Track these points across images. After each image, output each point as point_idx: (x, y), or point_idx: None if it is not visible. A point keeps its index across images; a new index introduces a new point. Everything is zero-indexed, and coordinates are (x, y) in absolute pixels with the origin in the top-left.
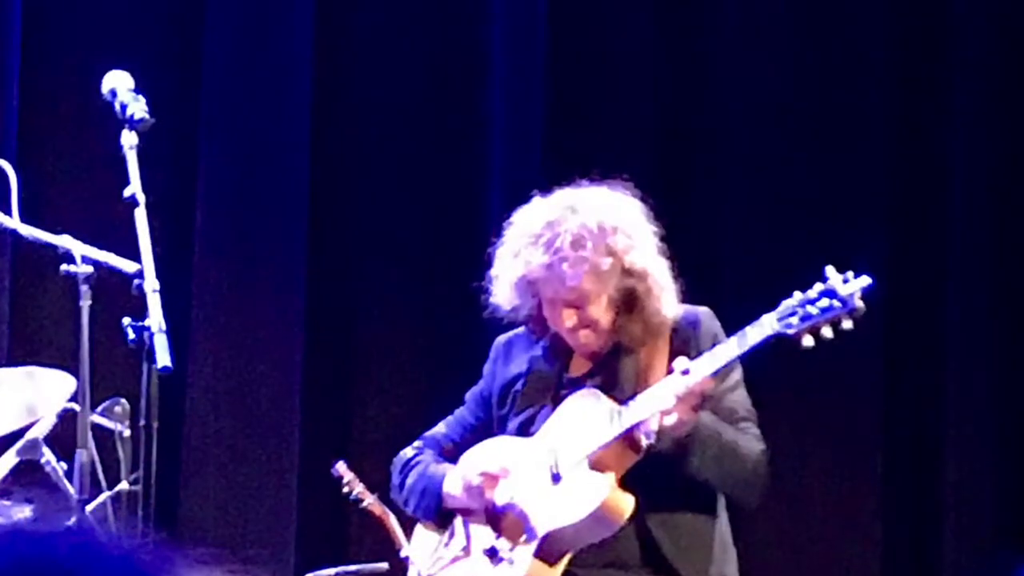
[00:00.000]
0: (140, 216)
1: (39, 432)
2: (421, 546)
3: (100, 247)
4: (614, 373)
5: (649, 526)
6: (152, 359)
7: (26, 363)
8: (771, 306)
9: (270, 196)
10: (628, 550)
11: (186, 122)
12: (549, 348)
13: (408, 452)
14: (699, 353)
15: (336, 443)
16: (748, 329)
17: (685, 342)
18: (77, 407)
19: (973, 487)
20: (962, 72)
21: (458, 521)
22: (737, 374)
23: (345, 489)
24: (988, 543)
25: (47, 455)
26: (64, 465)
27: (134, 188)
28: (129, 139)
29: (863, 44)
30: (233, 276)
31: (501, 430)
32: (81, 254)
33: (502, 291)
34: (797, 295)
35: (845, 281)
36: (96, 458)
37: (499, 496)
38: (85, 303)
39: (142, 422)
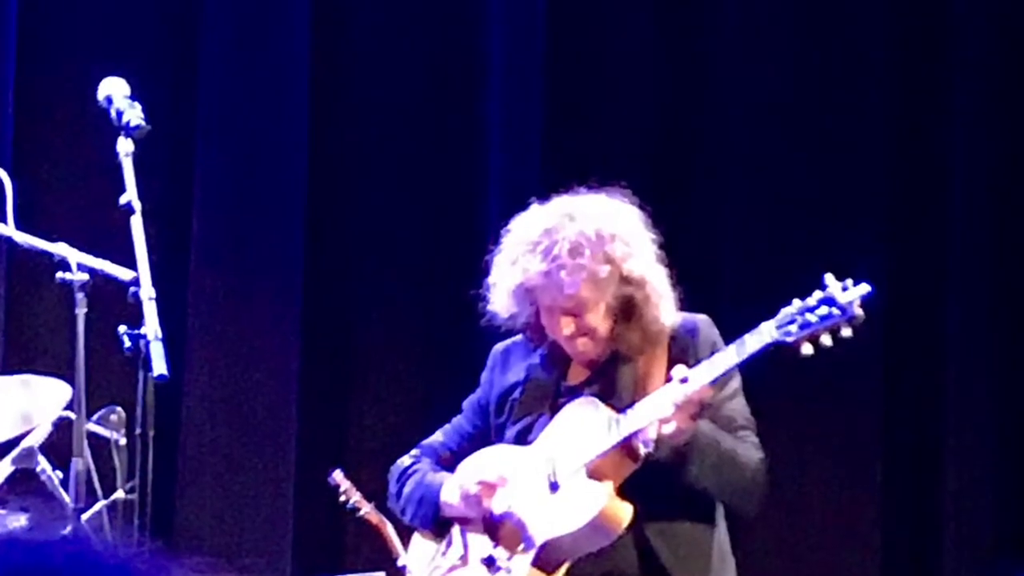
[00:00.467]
0: (136, 223)
1: (34, 440)
2: (418, 555)
3: (96, 255)
4: (612, 381)
5: (647, 535)
6: (148, 367)
7: (21, 371)
8: (770, 314)
9: (267, 203)
10: (626, 559)
11: (182, 129)
12: (547, 356)
13: (405, 461)
14: (697, 361)
15: (333, 452)
16: (747, 337)
17: (683, 350)
18: (73, 415)
19: (973, 496)
20: (962, 73)
21: (455, 530)
22: (736, 382)
23: (342, 498)
24: (988, 552)
25: (42, 463)
26: (60, 474)
27: (130, 195)
28: (125, 146)
29: (863, 46)
30: (229, 284)
31: (499, 438)
32: (77, 262)
33: (500, 299)
34: (796, 303)
35: (844, 289)
36: (92, 467)
37: (497, 505)
38: (81, 311)
39: (138, 430)
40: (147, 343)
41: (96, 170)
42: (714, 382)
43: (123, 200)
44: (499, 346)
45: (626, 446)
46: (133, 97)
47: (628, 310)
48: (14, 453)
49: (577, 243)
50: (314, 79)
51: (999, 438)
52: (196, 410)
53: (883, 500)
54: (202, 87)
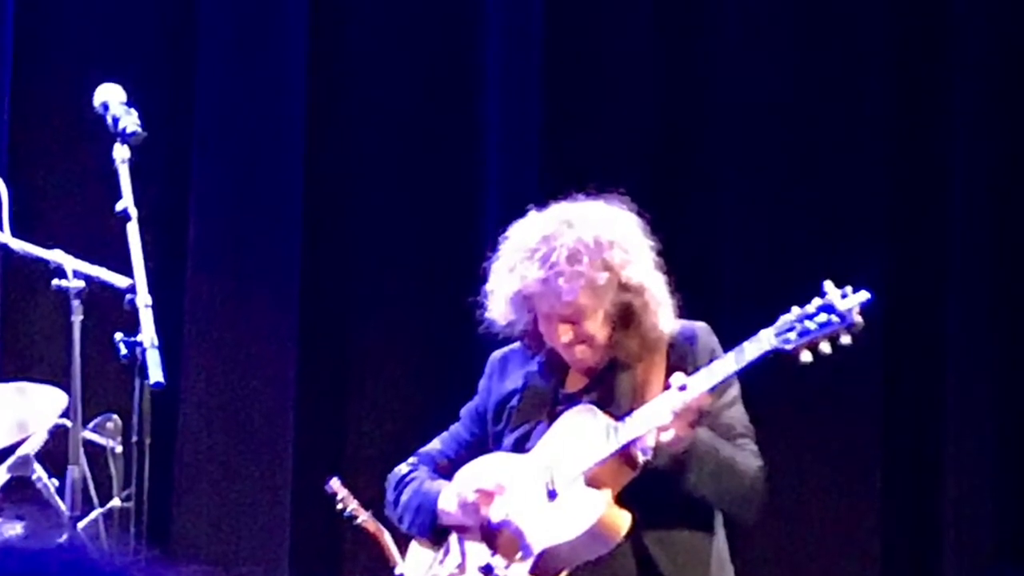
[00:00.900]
0: (132, 230)
1: (30, 448)
2: (416, 563)
3: (92, 262)
4: (610, 389)
5: (646, 543)
6: (144, 375)
7: (17, 379)
8: (769, 321)
9: (263, 210)
10: (625, 567)
11: (179, 135)
12: (545, 364)
13: (403, 468)
14: (696, 369)
15: (330, 459)
16: (746, 344)
17: (682, 357)
18: (69, 423)
19: (973, 502)
20: (962, 74)
21: (453, 538)
22: (735, 390)
23: (339, 506)
24: (988, 558)
25: (38, 471)
26: (55, 482)
27: (126, 202)
28: (121, 153)
29: (862, 48)
30: (226, 291)
31: (497, 446)
32: (73, 269)
33: (498, 306)
34: (795, 310)
35: (844, 296)
36: (88, 474)
37: (494, 513)
38: (77, 318)
39: (134, 438)
40: (143, 350)
41: (92, 177)
42: (713, 390)
43: (119, 207)
44: (497, 353)
45: (624, 454)
46: (129, 103)
47: (626, 317)
48: (10, 461)
49: (575, 250)
50: (311, 84)
51: (999, 445)
52: (193, 418)
53: (883, 507)
54: (199, 93)
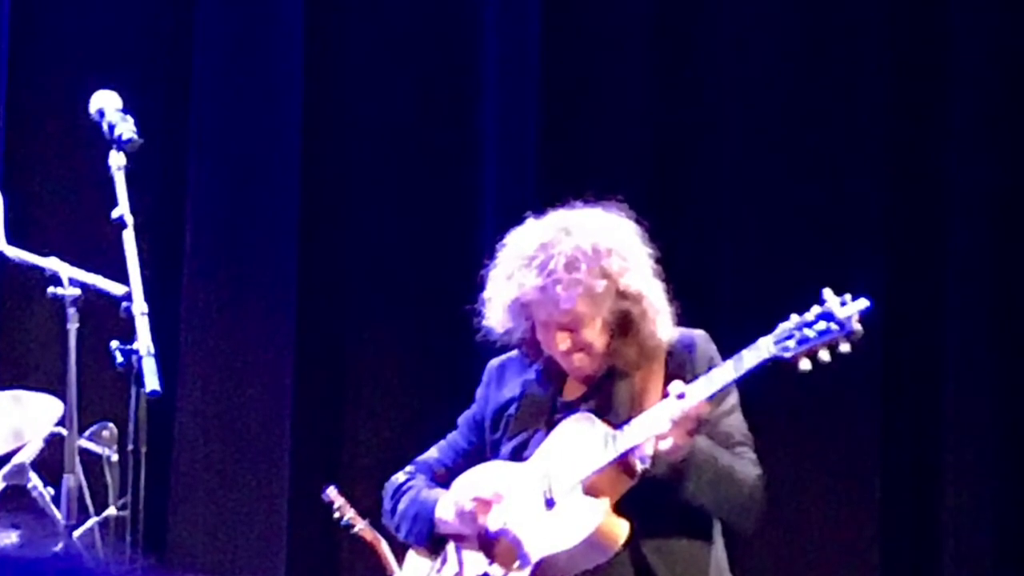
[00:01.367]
0: (128, 238)
1: (26, 457)
2: (413, 572)
3: (88, 269)
4: (609, 397)
5: (644, 552)
6: (140, 383)
7: (13, 387)
8: (768, 329)
9: (260, 217)
10: None
11: (175, 143)
12: (543, 372)
13: (400, 477)
14: (695, 377)
15: (327, 468)
16: (744, 352)
17: (680, 365)
18: (64, 431)
19: (972, 512)
20: (960, 87)
21: (450, 547)
22: (733, 398)
23: (336, 514)
24: (987, 569)
25: (34, 480)
26: (51, 490)
27: (122, 209)
28: (117, 160)
29: (860, 61)
30: (223, 299)
31: (494, 455)
32: (68, 276)
33: (495, 314)
34: (794, 318)
35: (843, 304)
36: (84, 483)
37: (492, 522)
38: (72, 326)
39: (130, 446)
40: (139, 358)
41: (88, 184)
42: (711, 398)
43: (115, 214)
44: (494, 361)
45: (623, 462)
46: (125, 110)
47: (625, 325)
48: (5, 469)
49: (573, 257)
50: (308, 93)
51: (998, 454)
52: (189, 426)
53: (882, 516)
54: (195, 100)
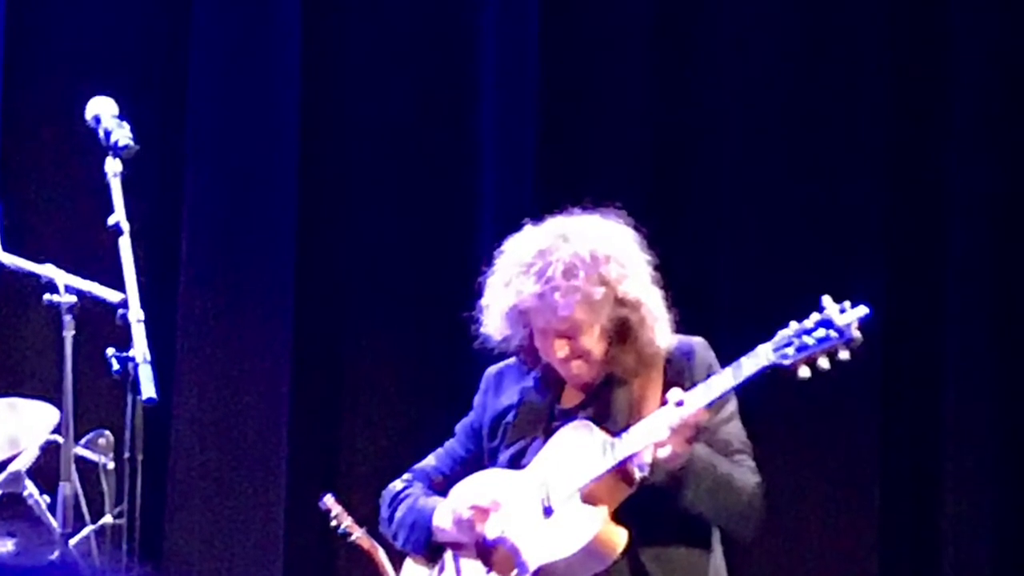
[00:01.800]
0: (124, 245)
1: (22, 464)
2: None
3: (84, 276)
4: (607, 404)
5: (642, 560)
6: (137, 390)
7: (8, 394)
8: (767, 336)
9: (257, 224)
10: None
11: (171, 149)
12: (541, 379)
13: (397, 485)
14: (693, 384)
15: (324, 476)
16: (743, 360)
17: (679, 373)
18: (60, 439)
19: (971, 520)
20: (960, 92)
21: (448, 555)
22: (732, 405)
23: (333, 522)
24: None
25: (30, 488)
26: (47, 498)
27: (118, 216)
28: (113, 166)
29: (860, 65)
30: (219, 306)
31: (492, 462)
32: (64, 283)
33: (493, 321)
34: (793, 325)
35: (842, 311)
36: (80, 491)
37: (490, 530)
38: (68, 333)
39: (126, 454)
40: (135, 366)
41: (84, 190)
42: (710, 405)
43: (111, 221)
44: (492, 369)
45: (621, 470)
46: (122, 117)
47: (623, 332)
48: (1, 477)
49: (571, 264)
50: (305, 98)
51: (998, 461)
52: (185, 434)
53: (881, 524)
54: (191, 106)
